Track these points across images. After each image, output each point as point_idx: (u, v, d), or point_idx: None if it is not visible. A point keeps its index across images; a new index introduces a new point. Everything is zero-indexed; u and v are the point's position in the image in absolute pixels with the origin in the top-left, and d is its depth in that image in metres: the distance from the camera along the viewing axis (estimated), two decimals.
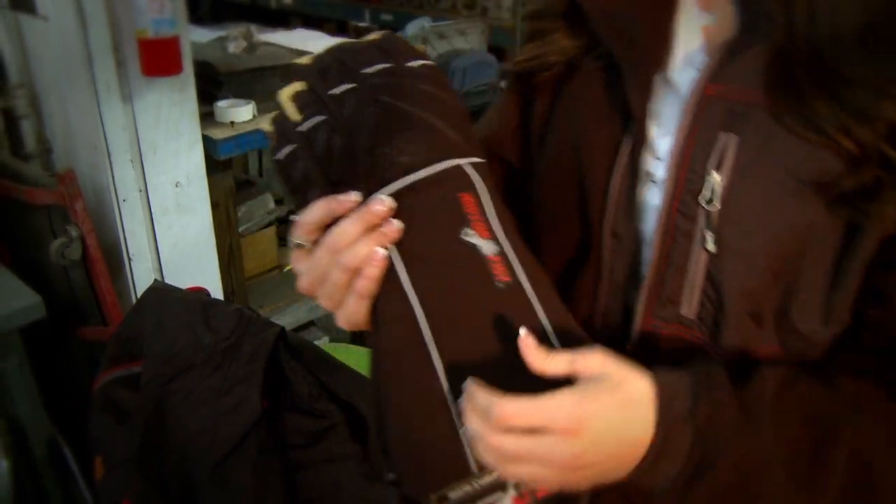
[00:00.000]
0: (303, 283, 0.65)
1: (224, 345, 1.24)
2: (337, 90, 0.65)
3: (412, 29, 3.20)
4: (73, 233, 1.58)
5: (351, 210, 0.60)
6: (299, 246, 0.64)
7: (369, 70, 0.65)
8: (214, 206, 2.01)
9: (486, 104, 2.60)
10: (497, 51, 3.49)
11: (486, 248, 0.62)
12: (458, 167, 0.64)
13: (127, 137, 1.77)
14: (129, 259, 1.85)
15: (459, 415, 0.58)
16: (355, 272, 0.61)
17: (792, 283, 0.62)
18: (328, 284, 0.62)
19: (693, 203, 0.64)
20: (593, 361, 0.56)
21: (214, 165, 2.01)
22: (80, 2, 1.63)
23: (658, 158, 0.67)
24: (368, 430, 1.21)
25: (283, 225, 2.63)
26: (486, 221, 0.63)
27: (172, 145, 1.86)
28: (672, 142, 0.65)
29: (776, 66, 0.60)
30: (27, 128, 1.97)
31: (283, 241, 2.61)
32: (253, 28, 2.52)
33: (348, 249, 0.60)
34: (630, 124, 0.68)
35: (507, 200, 0.70)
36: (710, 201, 0.63)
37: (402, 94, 0.64)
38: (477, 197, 0.63)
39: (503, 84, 0.89)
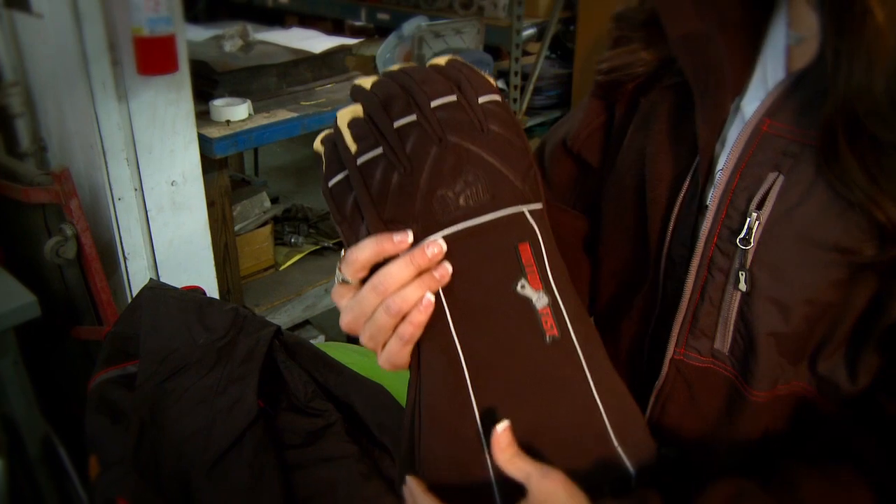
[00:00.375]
0: (345, 320, 0.63)
1: (219, 344, 1.24)
2: (400, 122, 0.61)
3: (408, 28, 3.19)
4: (68, 231, 1.57)
5: (403, 251, 0.59)
6: (345, 282, 0.62)
7: (437, 103, 0.62)
8: (210, 204, 2.01)
9: None
10: (493, 49, 3.49)
11: (539, 301, 0.61)
12: (521, 215, 0.62)
13: (122, 136, 1.77)
14: (125, 258, 1.85)
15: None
16: (402, 316, 0.59)
17: (823, 332, 0.62)
18: (372, 325, 0.60)
19: (731, 240, 0.63)
20: (546, 485, 0.56)
21: (210, 164, 2.01)
22: (75, 0, 1.62)
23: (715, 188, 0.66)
24: (365, 429, 1.21)
25: (279, 224, 2.63)
26: (542, 272, 0.61)
27: (168, 144, 1.85)
28: (720, 175, 0.64)
29: (832, 112, 0.57)
30: (22, 126, 1.96)
31: (278, 240, 2.60)
32: (249, 27, 2.52)
33: (397, 293, 0.58)
34: (697, 151, 0.67)
35: (581, 199, 0.73)
36: (747, 241, 0.62)
37: (469, 133, 0.62)
38: (535, 246, 0.62)
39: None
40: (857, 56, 0.54)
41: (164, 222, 1.89)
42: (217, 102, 2.10)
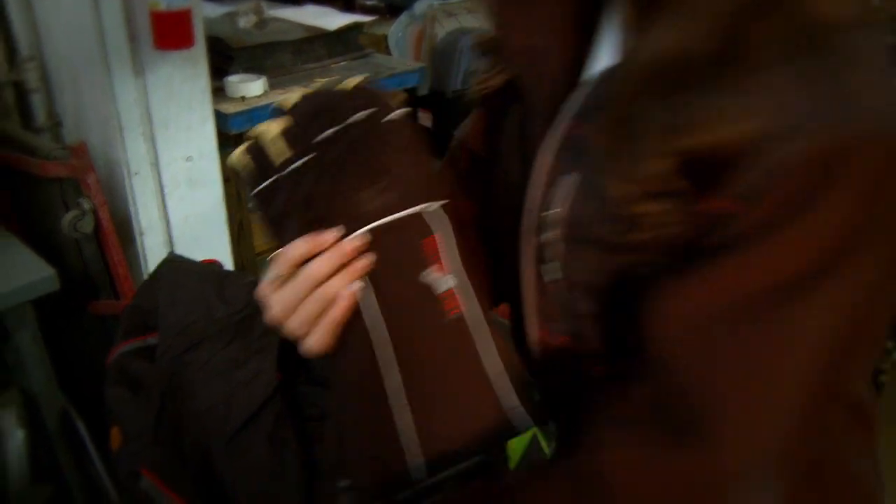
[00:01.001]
0: (273, 311, 0.72)
1: (238, 317, 1.25)
2: (325, 134, 0.71)
3: (420, 7, 3.18)
4: (86, 206, 1.58)
5: (330, 247, 0.68)
6: (273, 278, 0.71)
7: (354, 119, 0.72)
8: (225, 181, 2.01)
9: None
10: None
11: (444, 284, 0.70)
12: (427, 212, 0.72)
13: (139, 111, 1.77)
14: (141, 233, 1.85)
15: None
16: (329, 303, 0.68)
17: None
18: (301, 313, 0.69)
19: (540, 231, 0.70)
20: None
21: (225, 140, 2.01)
22: None
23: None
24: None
25: None
26: (445, 260, 0.71)
27: (184, 120, 1.85)
28: (535, 176, 0.71)
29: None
30: (37, 101, 1.96)
31: None
32: (263, 3, 2.51)
33: (326, 283, 0.68)
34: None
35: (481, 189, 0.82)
36: (554, 235, 0.68)
37: (381, 143, 0.72)
38: (441, 237, 0.72)
39: None
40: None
41: (180, 198, 1.90)
42: (232, 78, 2.10)
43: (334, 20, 2.56)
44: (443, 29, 3.17)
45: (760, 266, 0.53)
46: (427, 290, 0.70)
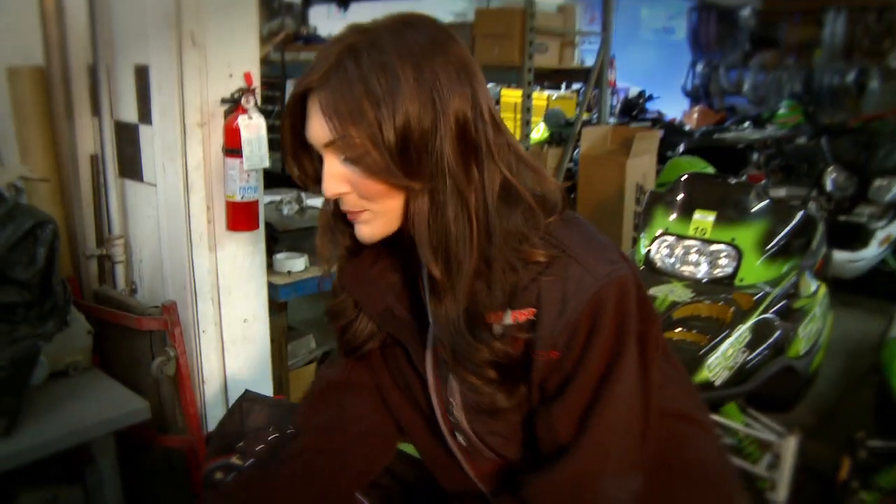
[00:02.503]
0: None
1: None
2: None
3: None
4: (171, 353, 1.94)
5: None
6: None
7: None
8: (272, 341, 2.38)
9: None
10: None
11: None
12: None
13: (210, 280, 2.16)
14: (203, 381, 2.19)
15: None
16: None
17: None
18: None
19: (449, 417, 1.11)
20: None
21: (273, 307, 2.39)
22: (186, 174, 2.06)
23: None
24: None
25: (321, 363, 2.98)
26: None
27: (244, 288, 2.25)
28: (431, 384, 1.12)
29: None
30: (120, 271, 2.36)
31: None
32: (302, 194, 2.98)
33: None
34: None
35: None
36: (454, 415, 1.09)
37: None
38: None
39: None
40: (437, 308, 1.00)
41: (236, 354, 2.25)
42: (279, 256, 2.52)
43: None
44: None
45: (590, 376, 0.98)
46: None
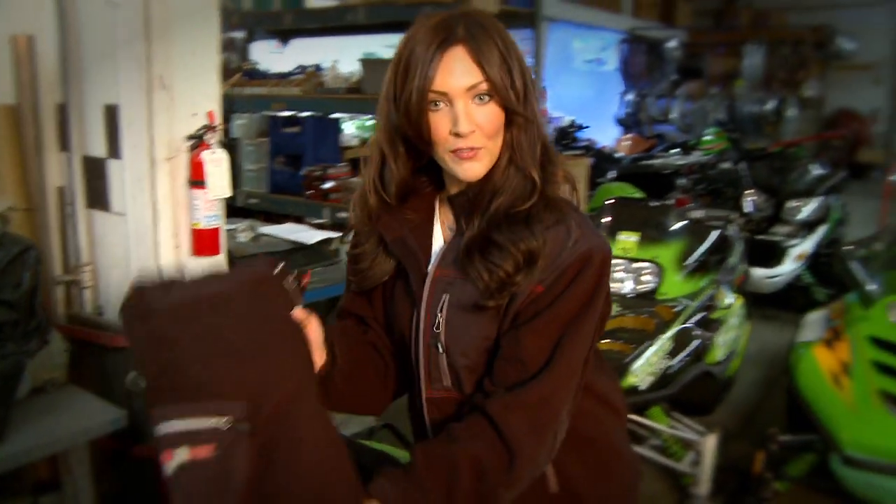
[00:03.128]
0: None
1: None
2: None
3: None
4: None
5: None
6: None
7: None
8: None
9: None
10: None
11: None
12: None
13: None
14: None
15: None
16: None
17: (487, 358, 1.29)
18: None
19: (432, 329, 1.29)
20: None
21: None
22: (155, 204, 2.24)
23: None
24: None
25: None
26: None
27: None
28: (424, 301, 1.31)
29: (462, 254, 1.26)
30: (87, 296, 2.51)
31: None
32: (255, 223, 3.16)
33: None
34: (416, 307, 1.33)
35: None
36: (438, 327, 1.28)
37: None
38: None
39: None
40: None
41: None
42: None
43: (311, 236, 3.22)
44: None
45: (564, 313, 1.22)
46: None
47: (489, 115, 1.21)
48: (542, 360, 1.21)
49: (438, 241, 1.35)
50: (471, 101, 1.21)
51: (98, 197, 2.46)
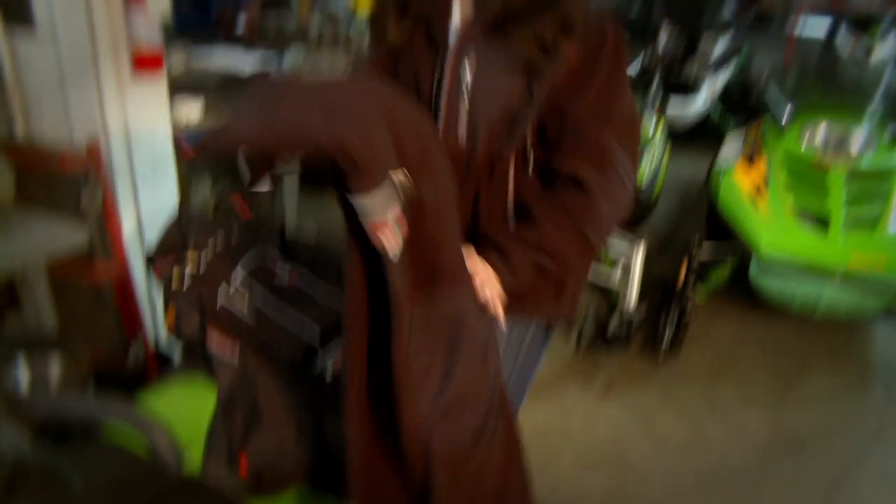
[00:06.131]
0: None
1: None
2: None
3: None
4: (98, 191, 2.08)
5: None
6: None
7: None
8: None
9: None
10: None
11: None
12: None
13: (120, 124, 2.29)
14: (121, 220, 2.34)
15: None
16: None
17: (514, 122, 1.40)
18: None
19: (460, 85, 1.40)
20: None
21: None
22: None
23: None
24: None
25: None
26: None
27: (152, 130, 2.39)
28: (449, 58, 1.42)
29: (490, 20, 1.37)
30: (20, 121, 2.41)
31: None
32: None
33: None
34: (439, 55, 1.43)
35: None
36: (466, 84, 1.39)
37: None
38: None
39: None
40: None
41: (148, 196, 2.44)
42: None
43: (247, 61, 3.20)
44: None
45: (610, 79, 1.40)
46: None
47: None
48: (596, 119, 1.39)
49: (457, 8, 1.42)
50: None
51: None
